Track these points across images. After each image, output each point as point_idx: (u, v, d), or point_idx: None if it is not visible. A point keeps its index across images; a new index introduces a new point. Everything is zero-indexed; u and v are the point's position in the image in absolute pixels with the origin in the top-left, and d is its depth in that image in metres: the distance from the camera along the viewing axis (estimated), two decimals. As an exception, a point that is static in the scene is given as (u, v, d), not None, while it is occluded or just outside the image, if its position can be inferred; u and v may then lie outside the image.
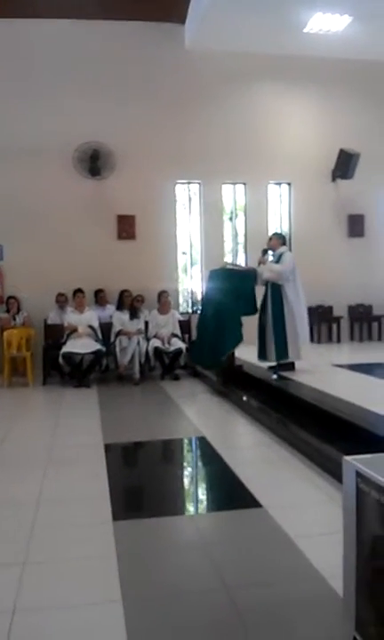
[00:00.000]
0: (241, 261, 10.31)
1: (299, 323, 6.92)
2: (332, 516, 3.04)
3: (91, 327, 8.37)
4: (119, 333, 8.41)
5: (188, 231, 10.53)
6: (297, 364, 6.98)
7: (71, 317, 8.46)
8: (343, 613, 2.08)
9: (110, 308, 9.14)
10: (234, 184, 10.53)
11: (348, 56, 10.09)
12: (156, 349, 8.33)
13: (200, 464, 5.04)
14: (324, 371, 7.27)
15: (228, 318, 7.11)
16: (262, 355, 7.08)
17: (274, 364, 6.94)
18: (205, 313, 7.82)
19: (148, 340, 8.44)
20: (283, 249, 7.15)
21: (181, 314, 9.37)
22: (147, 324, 8.71)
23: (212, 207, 10.40)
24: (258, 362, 7.18)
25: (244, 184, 10.50)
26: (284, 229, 10.60)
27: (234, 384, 7.09)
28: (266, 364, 7.04)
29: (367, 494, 1.90)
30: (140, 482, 4.49)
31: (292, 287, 6.90)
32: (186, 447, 5.41)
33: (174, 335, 8.62)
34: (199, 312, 8.61)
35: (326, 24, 9.04)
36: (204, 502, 4.12)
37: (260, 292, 7.14)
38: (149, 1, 9.14)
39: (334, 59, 10.11)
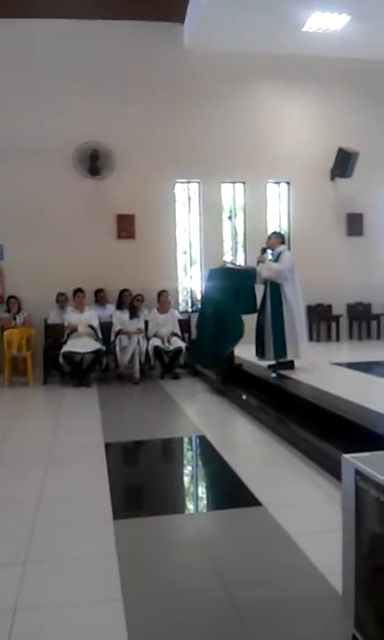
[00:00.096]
0: (240, 260, 10.32)
1: (297, 321, 6.94)
2: (331, 514, 3.05)
3: (91, 327, 8.38)
4: (119, 333, 8.42)
5: (187, 230, 10.53)
6: (296, 363, 6.99)
7: (71, 317, 8.47)
8: (342, 611, 2.10)
9: (110, 308, 9.15)
10: (233, 183, 10.53)
11: (347, 55, 10.09)
12: (156, 348, 8.34)
13: (200, 463, 5.05)
14: (323, 369, 7.28)
15: (227, 317, 7.12)
16: (260, 353, 7.10)
17: (273, 362, 6.96)
18: (205, 312, 7.84)
19: (147, 339, 8.45)
20: (281, 248, 7.16)
21: (181, 313, 9.38)
22: (146, 323, 8.72)
23: (211, 206, 10.40)
24: (256, 360, 7.18)
25: (244, 183, 10.50)
26: (283, 228, 10.61)
27: (233, 383, 7.11)
28: (265, 363, 7.05)
29: (366, 492, 1.92)
30: (140, 480, 4.50)
31: (290, 286, 6.91)
32: (186, 446, 5.42)
33: (174, 334, 8.63)
34: (198, 311, 8.62)
35: (325, 23, 9.04)
36: (204, 501, 4.13)
37: (259, 290, 7.15)
38: (148, 1, 9.13)
39: (333, 58, 10.11)
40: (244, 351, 7.35)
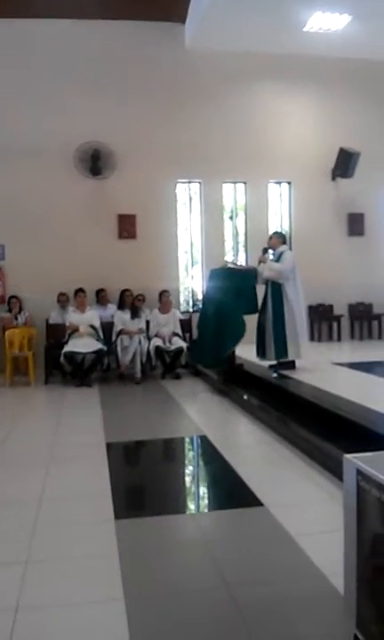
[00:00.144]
0: (241, 260, 10.32)
1: (298, 321, 6.94)
2: (332, 514, 3.06)
3: (92, 327, 8.38)
4: (120, 333, 8.43)
5: (188, 230, 10.53)
6: (297, 363, 6.99)
7: (73, 317, 8.47)
8: (344, 611, 2.09)
9: (111, 308, 9.15)
10: (234, 183, 10.53)
11: (348, 55, 10.08)
12: (157, 348, 8.34)
13: (201, 463, 5.06)
14: (324, 369, 7.27)
15: (228, 317, 7.12)
16: (261, 353, 7.10)
17: (274, 362, 6.96)
18: (206, 312, 7.84)
19: (149, 339, 8.45)
20: (283, 248, 7.17)
21: (182, 313, 9.38)
22: (148, 323, 8.73)
23: (212, 206, 10.40)
24: (257, 360, 7.18)
25: (245, 183, 10.50)
26: (285, 228, 10.60)
27: (234, 383, 7.11)
28: (266, 363, 7.05)
29: (368, 492, 1.91)
30: (141, 480, 4.50)
31: (292, 286, 6.92)
32: (187, 446, 5.42)
33: (175, 334, 8.63)
34: (199, 311, 8.62)
35: (326, 23, 9.04)
36: (206, 501, 4.13)
37: (261, 290, 7.16)
38: (149, 1, 9.14)
39: (334, 58, 10.10)
40: (246, 351, 7.35)
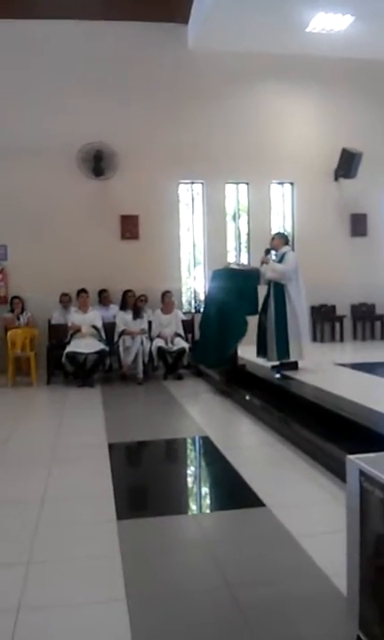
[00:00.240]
0: (244, 261, 10.31)
1: (301, 322, 6.94)
2: (335, 515, 3.04)
3: (94, 327, 8.38)
4: (122, 333, 8.43)
5: (191, 231, 10.53)
6: (300, 364, 6.98)
7: (75, 317, 8.47)
8: (347, 612, 2.09)
9: (114, 308, 9.15)
10: (237, 184, 10.53)
11: (351, 55, 10.08)
12: (160, 349, 8.34)
13: (203, 463, 5.05)
14: (326, 370, 7.27)
15: (231, 317, 7.13)
16: (261, 352, 7.09)
17: (277, 363, 6.95)
18: (208, 312, 7.84)
19: (151, 339, 8.45)
20: (285, 248, 7.16)
21: (184, 313, 9.38)
22: (150, 323, 8.73)
23: (214, 207, 10.40)
24: (258, 360, 7.18)
25: (247, 184, 10.50)
26: (287, 229, 10.60)
27: (237, 383, 7.10)
28: (269, 364, 7.04)
29: (371, 493, 1.91)
30: (143, 481, 4.50)
31: (294, 286, 6.91)
32: (189, 446, 5.42)
33: (177, 335, 8.63)
34: (202, 311, 8.62)
35: (329, 23, 9.04)
36: (208, 501, 4.13)
37: (262, 291, 7.15)
38: (152, 1, 9.15)
39: (337, 58, 10.10)
40: (248, 352, 7.34)
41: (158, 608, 2.51)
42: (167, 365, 8.47)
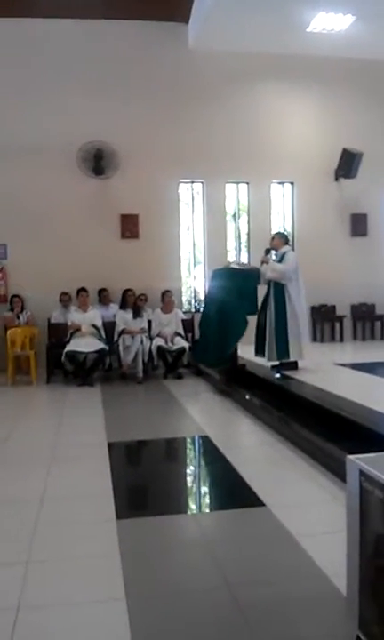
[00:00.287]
0: (244, 261, 10.31)
1: (301, 322, 6.94)
2: (335, 515, 3.05)
3: (94, 326, 8.38)
4: (122, 332, 8.42)
5: (191, 230, 10.53)
6: (300, 363, 6.98)
7: (75, 316, 8.47)
8: (346, 612, 2.09)
9: (114, 307, 9.15)
10: (237, 183, 10.53)
11: (351, 55, 10.08)
12: (160, 348, 8.34)
13: (203, 463, 5.05)
14: (326, 370, 7.27)
15: (232, 316, 7.13)
16: (259, 351, 7.08)
17: (277, 363, 6.95)
18: (208, 311, 7.84)
19: (151, 338, 8.45)
20: (285, 248, 7.16)
21: (184, 313, 9.38)
22: (150, 322, 8.73)
23: (215, 206, 10.40)
24: (258, 360, 7.18)
25: (247, 183, 10.50)
26: (287, 229, 10.60)
27: (237, 383, 7.10)
28: (269, 363, 7.04)
29: (371, 493, 1.91)
30: (143, 480, 4.50)
31: (294, 286, 6.91)
32: (189, 446, 5.42)
33: (177, 334, 8.63)
34: (202, 311, 8.62)
35: (329, 23, 9.03)
36: (207, 501, 4.13)
37: (261, 291, 7.15)
38: (153, 1, 9.14)
39: (337, 58, 10.10)
40: (248, 352, 7.34)
41: (158, 607, 2.51)
42: (167, 365, 8.47)
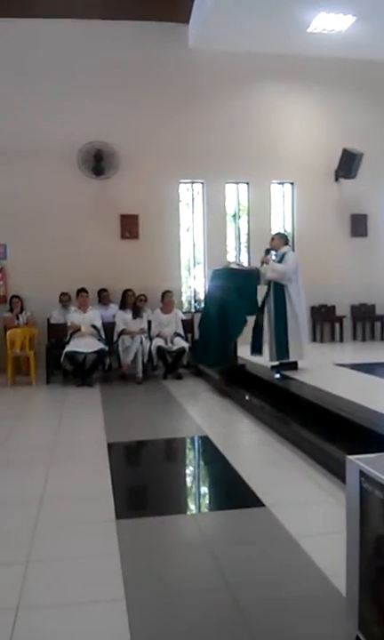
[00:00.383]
0: (244, 261, 10.31)
1: (301, 322, 6.94)
2: (334, 516, 3.05)
3: (94, 326, 8.38)
4: (122, 333, 8.42)
5: (191, 231, 10.53)
6: (299, 364, 6.98)
7: (74, 317, 8.47)
8: (346, 612, 2.09)
9: (113, 308, 9.15)
10: (237, 183, 10.53)
11: (352, 56, 10.07)
12: (159, 349, 8.34)
13: (203, 463, 5.05)
14: (326, 370, 7.26)
15: (231, 316, 7.14)
16: (255, 350, 7.07)
17: (276, 363, 6.95)
18: (208, 312, 7.84)
19: (150, 339, 8.45)
20: (285, 249, 7.15)
21: (184, 313, 9.38)
22: (150, 323, 8.72)
23: (215, 207, 10.40)
24: (255, 359, 7.18)
25: (247, 184, 10.50)
26: (287, 229, 10.59)
27: (236, 383, 7.10)
28: (261, 361, 7.05)
29: (371, 493, 1.91)
30: (142, 480, 4.49)
31: (294, 287, 6.90)
32: (188, 446, 5.42)
33: (177, 334, 8.63)
34: (202, 311, 8.62)
35: (330, 24, 9.03)
36: (207, 501, 4.13)
37: (261, 291, 7.15)
38: (153, 1, 9.14)
39: (337, 58, 10.10)
40: (247, 352, 7.33)
41: (157, 608, 2.50)
42: (167, 365, 8.46)
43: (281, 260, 7.01)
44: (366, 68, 10.34)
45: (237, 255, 10.59)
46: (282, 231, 9.35)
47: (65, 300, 9.22)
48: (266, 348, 7.04)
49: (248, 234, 10.61)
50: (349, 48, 9.72)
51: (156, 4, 9.16)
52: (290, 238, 9.18)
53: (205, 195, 10.39)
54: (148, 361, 8.37)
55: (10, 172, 9.33)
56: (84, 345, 8.09)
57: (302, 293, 7.01)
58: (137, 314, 8.62)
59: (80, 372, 8.11)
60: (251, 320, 7.10)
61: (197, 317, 8.75)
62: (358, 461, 1.98)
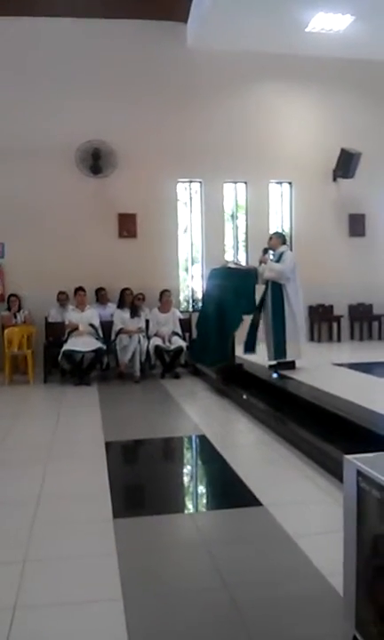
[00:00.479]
0: (242, 260, 10.31)
1: (299, 322, 6.95)
2: (332, 515, 3.05)
3: (91, 325, 8.37)
4: (120, 332, 8.42)
5: (189, 230, 10.52)
6: (297, 363, 6.99)
7: (72, 315, 8.46)
8: (343, 612, 2.09)
9: (111, 307, 9.14)
10: (235, 183, 10.53)
11: (350, 55, 10.08)
12: (157, 348, 8.34)
13: (200, 462, 5.05)
14: (324, 369, 7.27)
15: (229, 315, 7.14)
16: (249, 348, 7.07)
17: (274, 362, 6.95)
18: (206, 311, 7.85)
19: (148, 338, 8.45)
20: (283, 248, 7.16)
21: (182, 312, 9.37)
22: (147, 322, 8.72)
23: (213, 206, 10.40)
24: (254, 358, 7.18)
25: (245, 183, 10.50)
26: (285, 229, 10.60)
27: (234, 382, 7.10)
28: (266, 363, 7.05)
29: (368, 493, 1.91)
30: (140, 480, 4.49)
31: (292, 286, 6.91)
32: (186, 445, 5.42)
33: (175, 333, 8.63)
34: (199, 310, 8.62)
35: (328, 23, 9.04)
36: (204, 500, 4.13)
37: (259, 290, 7.15)
38: (151, 0, 9.12)
39: (336, 58, 10.10)
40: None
41: (155, 607, 2.50)
42: (164, 364, 8.46)
43: (279, 259, 7.01)
44: (364, 68, 10.35)
45: (235, 254, 10.59)
46: (280, 230, 9.36)
47: (63, 298, 9.21)
48: (260, 347, 7.05)
49: (246, 233, 10.61)
50: (348, 48, 9.73)
51: (154, 4, 9.16)
52: (287, 238, 9.17)
53: (203, 194, 10.39)
54: (145, 360, 8.36)
55: (7, 170, 9.32)
56: (82, 344, 8.08)
57: (300, 293, 7.02)
58: (135, 313, 8.62)
59: (78, 371, 8.10)
60: (247, 319, 7.11)
61: (195, 316, 8.76)
62: (356, 461, 1.99)
